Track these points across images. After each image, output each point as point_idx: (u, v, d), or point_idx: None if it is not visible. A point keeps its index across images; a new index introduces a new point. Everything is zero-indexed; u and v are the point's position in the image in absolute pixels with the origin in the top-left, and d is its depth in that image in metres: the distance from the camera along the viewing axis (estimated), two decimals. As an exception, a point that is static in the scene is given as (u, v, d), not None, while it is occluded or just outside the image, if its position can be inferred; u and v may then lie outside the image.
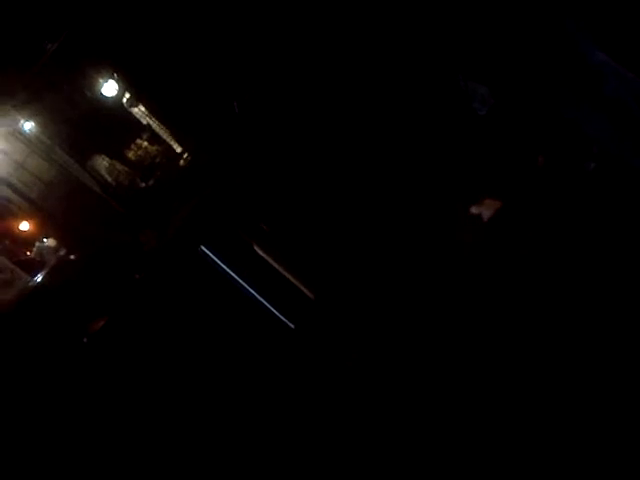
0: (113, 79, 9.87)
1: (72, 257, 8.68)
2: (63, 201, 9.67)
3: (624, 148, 3.43)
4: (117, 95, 9.97)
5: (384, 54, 4.57)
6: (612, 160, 3.52)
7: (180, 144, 9.94)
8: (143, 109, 10.14)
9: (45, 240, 10.36)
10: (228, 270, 5.02)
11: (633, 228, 3.35)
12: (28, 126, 9.88)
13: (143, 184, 10.05)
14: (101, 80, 9.84)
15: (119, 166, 10.29)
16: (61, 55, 9.12)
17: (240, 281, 5.00)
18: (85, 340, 5.69)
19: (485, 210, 4.26)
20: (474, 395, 3.35)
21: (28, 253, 10.12)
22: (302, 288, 4.93)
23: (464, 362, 3.51)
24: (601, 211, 3.52)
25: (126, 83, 9.91)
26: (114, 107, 10.00)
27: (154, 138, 10.28)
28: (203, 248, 5.09)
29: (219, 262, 5.04)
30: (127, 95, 10.06)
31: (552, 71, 3.57)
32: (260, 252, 5.26)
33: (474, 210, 4.33)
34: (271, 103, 5.72)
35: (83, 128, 9.84)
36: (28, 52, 8.90)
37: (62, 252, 9.71)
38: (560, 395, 3.10)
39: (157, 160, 10.19)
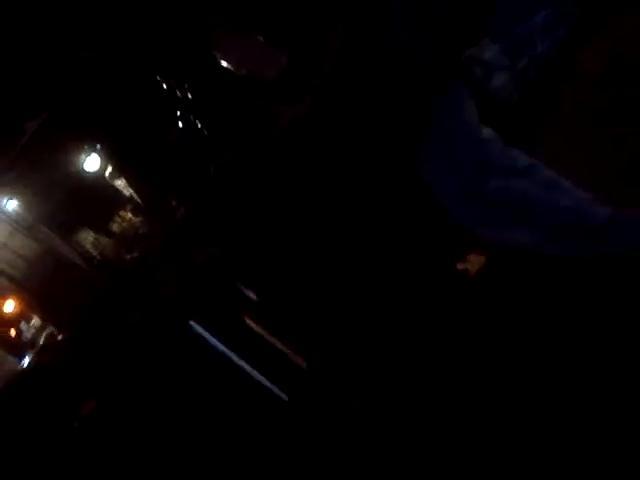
0: (96, 152, 9.97)
1: (60, 337, 8.55)
2: (48, 279, 9.59)
3: None
4: (100, 169, 10.05)
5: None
6: None
7: (161, 214, 9.98)
8: (125, 181, 10.21)
9: (31, 319, 10.23)
10: (217, 344, 4.99)
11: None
12: (11, 205, 9.87)
13: (128, 256, 10.02)
14: (84, 155, 9.93)
15: (104, 240, 10.28)
16: (42, 133, 9.22)
17: (230, 354, 4.96)
18: (76, 424, 5.60)
19: (471, 266, 4.27)
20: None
21: (13, 333, 9.97)
22: (293, 358, 4.87)
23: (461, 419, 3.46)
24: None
25: (108, 156, 10.01)
26: (97, 181, 10.07)
27: (137, 209, 10.32)
28: (191, 323, 5.06)
29: (208, 336, 5.00)
30: (109, 168, 10.15)
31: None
32: (249, 322, 5.22)
33: (460, 266, 4.33)
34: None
35: (67, 204, 9.86)
36: (7, 133, 8.97)
37: (49, 331, 9.57)
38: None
39: (141, 231, 10.20)
